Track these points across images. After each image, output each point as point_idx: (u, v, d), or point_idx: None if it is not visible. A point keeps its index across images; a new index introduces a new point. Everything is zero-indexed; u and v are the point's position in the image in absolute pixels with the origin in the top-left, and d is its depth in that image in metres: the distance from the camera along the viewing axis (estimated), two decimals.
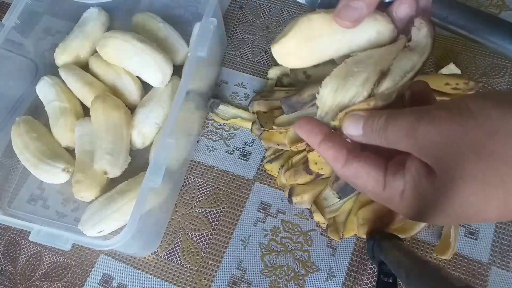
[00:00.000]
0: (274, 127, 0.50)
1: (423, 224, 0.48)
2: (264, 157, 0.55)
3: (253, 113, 0.55)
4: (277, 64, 0.55)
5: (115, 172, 0.52)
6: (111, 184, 0.52)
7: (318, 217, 0.49)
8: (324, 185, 0.49)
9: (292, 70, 0.52)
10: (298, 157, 0.50)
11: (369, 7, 0.28)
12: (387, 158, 0.26)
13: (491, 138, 0.20)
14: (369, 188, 0.26)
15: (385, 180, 0.25)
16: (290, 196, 0.50)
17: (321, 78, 0.48)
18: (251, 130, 0.56)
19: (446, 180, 0.21)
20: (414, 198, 0.23)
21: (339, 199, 0.48)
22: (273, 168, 0.53)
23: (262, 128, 0.52)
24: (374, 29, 0.29)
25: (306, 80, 0.50)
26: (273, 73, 0.58)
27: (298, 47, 0.30)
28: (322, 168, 0.47)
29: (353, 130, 0.26)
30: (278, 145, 0.51)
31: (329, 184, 0.46)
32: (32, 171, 0.52)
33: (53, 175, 0.52)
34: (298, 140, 0.49)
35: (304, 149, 0.50)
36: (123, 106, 0.55)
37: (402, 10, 0.29)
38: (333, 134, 0.27)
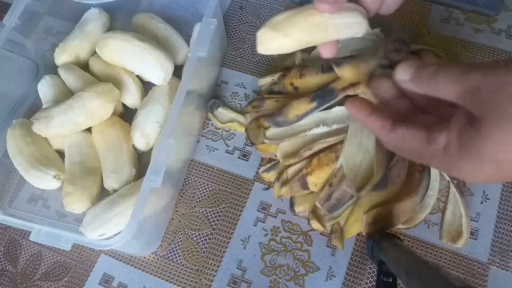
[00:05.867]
0: (265, 140, 0.50)
1: (425, 213, 0.49)
2: (261, 164, 0.55)
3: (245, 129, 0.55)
4: (266, 74, 0.55)
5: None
6: (102, 195, 0.52)
7: (315, 225, 0.49)
8: None
9: (280, 80, 0.52)
10: (293, 170, 0.50)
11: None
12: (427, 125, 0.28)
13: None
14: (414, 146, 0.28)
15: (430, 137, 0.27)
16: (292, 206, 0.50)
17: (307, 90, 0.49)
18: (245, 139, 0.56)
19: (488, 124, 0.23)
20: (459, 148, 0.25)
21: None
22: (270, 177, 0.53)
23: (253, 145, 0.53)
24: (349, 20, 0.31)
25: (294, 91, 0.50)
26: (263, 81, 0.57)
27: (280, 34, 0.32)
28: (321, 189, 0.48)
29: (403, 74, 0.29)
30: (275, 156, 0.51)
31: (319, 202, 0.47)
32: (24, 175, 0.52)
33: (44, 181, 0.52)
34: (291, 155, 0.49)
35: (298, 161, 0.50)
36: (119, 121, 0.55)
37: None
38: (379, 107, 0.31)
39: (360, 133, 0.46)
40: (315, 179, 0.47)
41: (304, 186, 0.48)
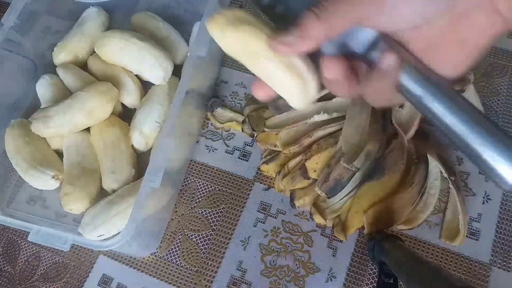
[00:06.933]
0: (265, 129, 0.50)
1: (427, 212, 0.49)
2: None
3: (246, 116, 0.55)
4: None
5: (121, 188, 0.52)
6: (101, 195, 0.52)
7: (318, 219, 0.49)
8: None
9: None
10: (294, 162, 0.50)
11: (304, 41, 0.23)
12: None
13: None
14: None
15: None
16: (292, 200, 0.50)
17: None
18: (242, 130, 0.56)
19: None
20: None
21: (339, 199, 0.48)
22: (269, 169, 0.53)
23: (254, 132, 0.52)
24: (288, 80, 0.25)
25: None
26: None
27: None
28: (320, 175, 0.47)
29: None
30: (275, 146, 0.51)
31: (317, 185, 0.46)
32: (22, 175, 0.52)
33: (42, 181, 0.51)
34: (290, 143, 0.49)
35: (298, 153, 0.50)
36: (117, 121, 0.55)
37: (329, 71, 0.24)
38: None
39: (358, 115, 0.46)
40: (314, 164, 0.47)
41: (305, 173, 0.48)
